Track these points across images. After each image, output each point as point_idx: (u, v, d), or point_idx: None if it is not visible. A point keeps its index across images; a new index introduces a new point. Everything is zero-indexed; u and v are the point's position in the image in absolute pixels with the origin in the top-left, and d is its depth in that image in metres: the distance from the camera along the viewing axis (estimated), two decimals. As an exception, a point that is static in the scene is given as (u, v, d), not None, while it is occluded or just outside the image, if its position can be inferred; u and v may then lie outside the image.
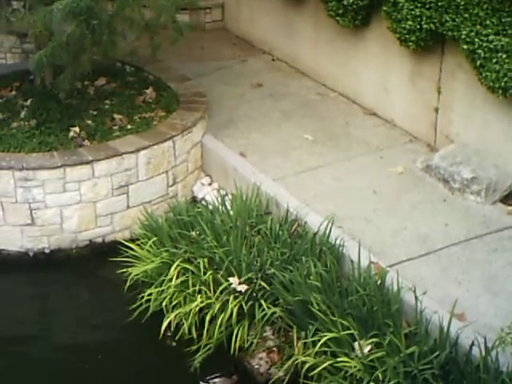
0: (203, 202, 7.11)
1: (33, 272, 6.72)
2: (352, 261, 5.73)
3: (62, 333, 6.19)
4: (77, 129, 7.04)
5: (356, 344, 5.18)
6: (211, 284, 5.88)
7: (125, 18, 6.97)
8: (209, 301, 5.83)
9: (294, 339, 5.52)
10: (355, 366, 5.07)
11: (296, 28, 8.80)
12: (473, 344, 4.94)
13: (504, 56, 6.17)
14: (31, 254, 6.79)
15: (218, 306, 5.76)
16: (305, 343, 5.43)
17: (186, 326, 5.85)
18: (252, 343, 5.74)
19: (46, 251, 6.80)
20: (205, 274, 5.92)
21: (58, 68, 7.12)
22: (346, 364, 5.12)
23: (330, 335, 5.24)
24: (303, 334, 5.46)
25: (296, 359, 5.46)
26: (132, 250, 6.44)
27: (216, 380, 5.58)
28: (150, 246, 6.36)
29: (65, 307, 6.47)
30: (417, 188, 6.73)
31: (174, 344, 5.89)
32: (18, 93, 7.57)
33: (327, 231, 5.97)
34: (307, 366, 5.32)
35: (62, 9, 6.18)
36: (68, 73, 6.85)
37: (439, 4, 6.59)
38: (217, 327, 5.74)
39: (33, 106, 7.24)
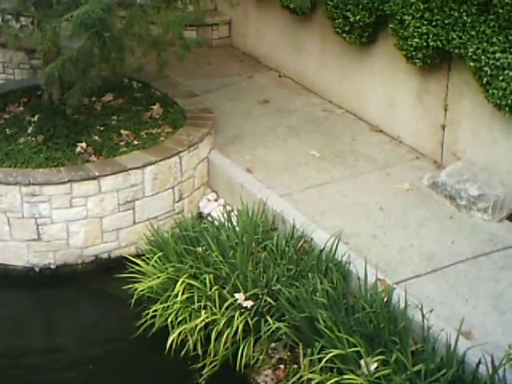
0: (209, 218, 7.11)
1: (39, 287, 6.72)
2: (359, 278, 5.71)
3: (68, 348, 6.16)
4: (84, 144, 7.07)
5: (362, 361, 5.15)
6: (217, 300, 5.87)
7: (133, 34, 7.00)
8: (214, 317, 5.82)
9: (300, 356, 5.50)
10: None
11: (302, 45, 8.83)
12: (480, 362, 4.91)
13: (511, 73, 6.16)
14: (37, 269, 6.79)
15: (223, 322, 5.74)
16: (311, 360, 5.40)
17: (191, 343, 5.84)
18: (258, 360, 5.72)
19: (52, 267, 6.80)
20: (210, 289, 5.91)
21: (65, 84, 7.16)
22: (353, 381, 5.09)
23: (336, 352, 5.21)
24: (309, 350, 5.43)
25: (302, 376, 5.43)
26: (138, 265, 6.44)
27: None
28: (156, 261, 6.36)
29: (70, 323, 6.44)
30: (423, 205, 6.71)
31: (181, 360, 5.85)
32: (26, 108, 7.61)
33: (334, 248, 5.96)
34: (313, 383, 5.29)
35: (73, 20, 6.08)
36: (78, 88, 6.86)
37: (446, 21, 6.61)
38: (222, 343, 5.72)
39: (40, 121, 7.27)
